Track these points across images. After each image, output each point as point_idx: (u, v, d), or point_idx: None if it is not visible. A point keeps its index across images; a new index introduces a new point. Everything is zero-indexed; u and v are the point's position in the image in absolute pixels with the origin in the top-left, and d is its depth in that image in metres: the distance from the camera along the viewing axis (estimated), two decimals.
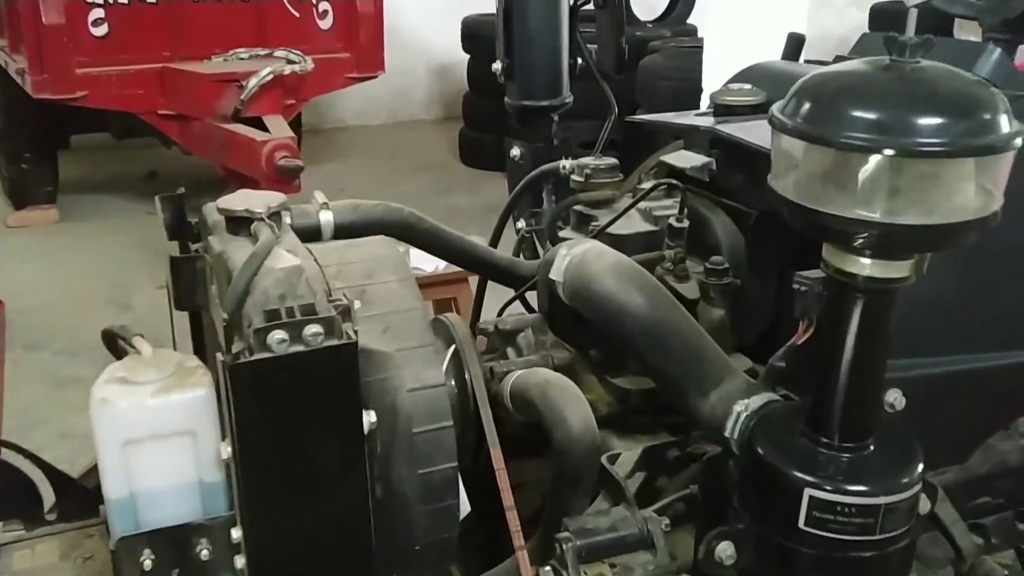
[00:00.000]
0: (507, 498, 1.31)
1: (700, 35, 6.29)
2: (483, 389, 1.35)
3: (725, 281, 1.50)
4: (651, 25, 8.24)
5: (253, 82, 5.60)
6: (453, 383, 1.39)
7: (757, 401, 1.25)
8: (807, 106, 1.00)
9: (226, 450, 1.07)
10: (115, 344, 1.19)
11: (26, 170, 6.17)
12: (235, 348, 1.06)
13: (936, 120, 0.95)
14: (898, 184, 0.98)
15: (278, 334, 1.06)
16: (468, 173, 7.62)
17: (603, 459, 1.42)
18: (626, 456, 1.42)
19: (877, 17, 6.41)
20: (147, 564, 1.09)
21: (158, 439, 1.07)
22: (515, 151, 1.92)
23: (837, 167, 1.00)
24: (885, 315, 1.10)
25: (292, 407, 1.07)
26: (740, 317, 1.54)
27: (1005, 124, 0.97)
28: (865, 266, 1.05)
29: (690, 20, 7.94)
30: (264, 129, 5.47)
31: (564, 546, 1.26)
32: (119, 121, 6.22)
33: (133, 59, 5.68)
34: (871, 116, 0.95)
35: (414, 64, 9.31)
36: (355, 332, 1.11)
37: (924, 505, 1.27)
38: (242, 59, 5.99)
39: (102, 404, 1.05)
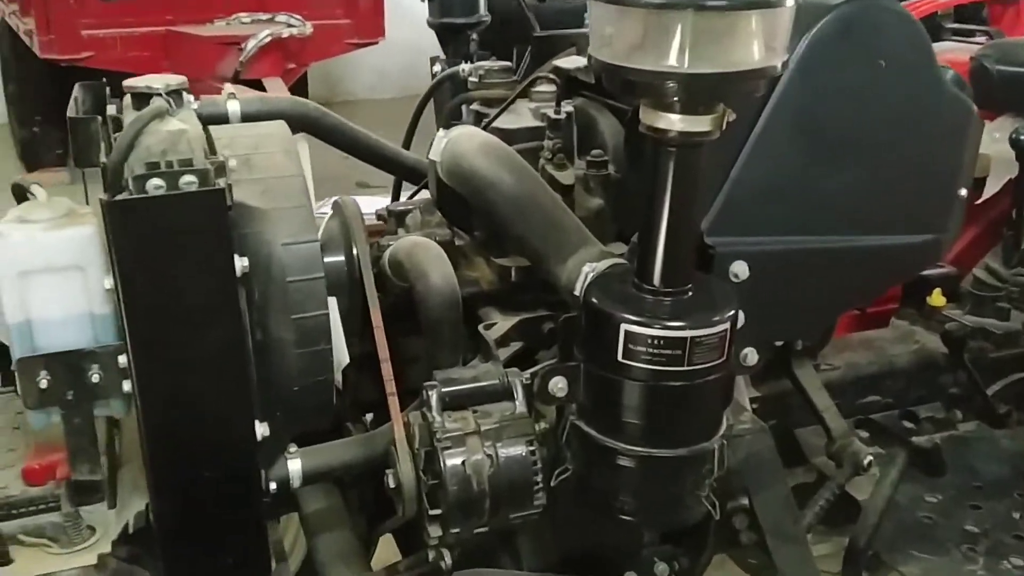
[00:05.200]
0: (383, 352, 1.45)
1: None
2: (367, 257, 1.49)
3: (603, 172, 1.63)
4: None
5: (252, 44, 5.76)
6: (343, 259, 1.54)
7: (604, 264, 1.38)
8: None
9: (109, 281, 1.22)
10: (24, 196, 1.35)
11: (37, 133, 6.38)
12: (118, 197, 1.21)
13: None
14: (696, 39, 1.11)
15: (155, 181, 1.20)
16: None
17: (480, 327, 1.56)
18: (500, 325, 1.56)
19: None
20: (43, 383, 1.25)
21: (50, 271, 1.23)
22: (436, 67, 2.07)
23: (648, 28, 1.13)
24: (694, 168, 1.23)
25: (166, 245, 1.22)
26: (621, 209, 1.67)
27: None
28: (674, 121, 1.19)
29: None
30: (263, 91, 5.63)
31: (429, 392, 1.40)
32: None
33: (138, 22, 5.86)
34: None
35: (421, 39, 9.45)
36: (228, 185, 1.26)
37: (751, 357, 1.40)
38: (244, 23, 6.14)
39: None
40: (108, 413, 1.33)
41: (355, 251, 1.53)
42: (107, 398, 1.30)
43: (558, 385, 1.31)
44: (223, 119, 1.58)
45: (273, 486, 1.45)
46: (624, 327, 1.24)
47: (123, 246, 1.20)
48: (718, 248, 1.45)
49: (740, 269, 1.46)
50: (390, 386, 1.42)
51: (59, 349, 1.26)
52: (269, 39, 5.82)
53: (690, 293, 1.28)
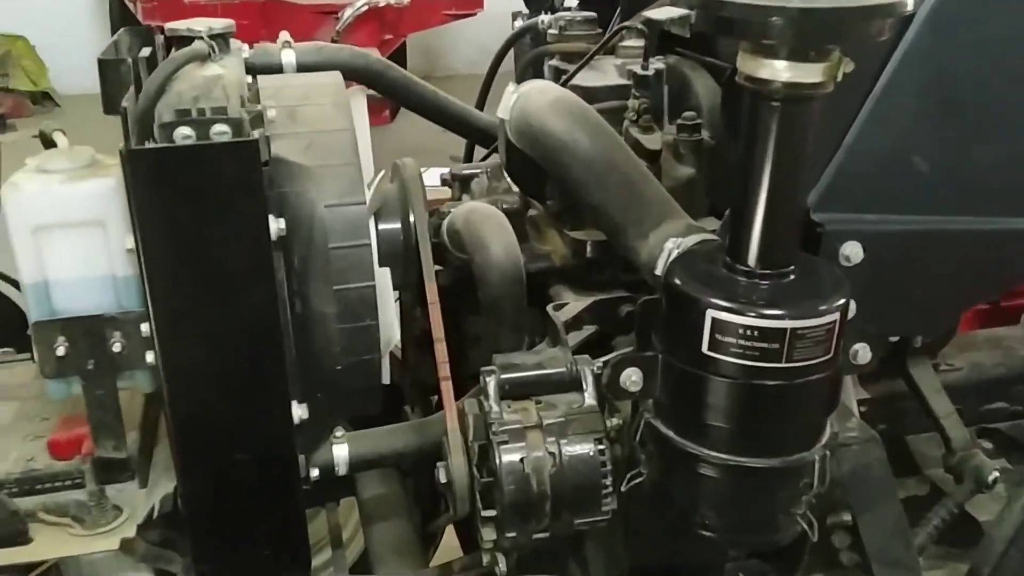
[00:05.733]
0: (437, 330, 1.29)
1: None
2: (424, 224, 1.33)
3: (696, 137, 1.44)
4: None
5: (348, 13, 5.69)
6: (399, 226, 1.38)
7: (692, 240, 1.19)
8: None
9: (130, 240, 1.09)
10: (51, 144, 1.24)
11: None
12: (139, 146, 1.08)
13: None
14: None
15: (184, 130, 1.07)
16: None
17: (549, 308, 1.39)
18: (572, 306, 1.38)
19: None
20: (61, 350, 1.14)
21: (67, 227, 1.11)
22: (517, 22, 1.89)
23: None
24: (801, 127, 1.03)
25: (191, 200, 1.08)
26: (715, 181, 1.47)
27: None
28: (780, 70, 0.99)
29: None
30: None
31: (486, 378, 1.24)
32: None
33: None
34: None
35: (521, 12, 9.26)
36: (264, 137, 1.12)
37: (863, 354, 1.20)
38: None
39: (11, 188, 1.09)
40: (133, 387, 1.21)
41: (412, 218, 1.37)
42: (131, 369, 1.18)
43: (631, 378, 1.13)
44: (276, 69, 1.45)
45: (315, 472, 1.32)
46: (711, 313, 1.05)
47: (144, 201, 1.07)
48: (827, 226, 1.25)
49: (853, 251, 1.25)
50: (443, 369, 1.27)
51: (78, 314, 1.14)
52: (366, 8, 5.74)
53: (792, 277, 1.09)
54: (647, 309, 1.22)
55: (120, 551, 1.23)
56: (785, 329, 1.03)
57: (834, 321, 1.05)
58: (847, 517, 1.37)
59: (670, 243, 1.19)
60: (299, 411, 1.22)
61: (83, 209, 1.11)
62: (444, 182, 1.51)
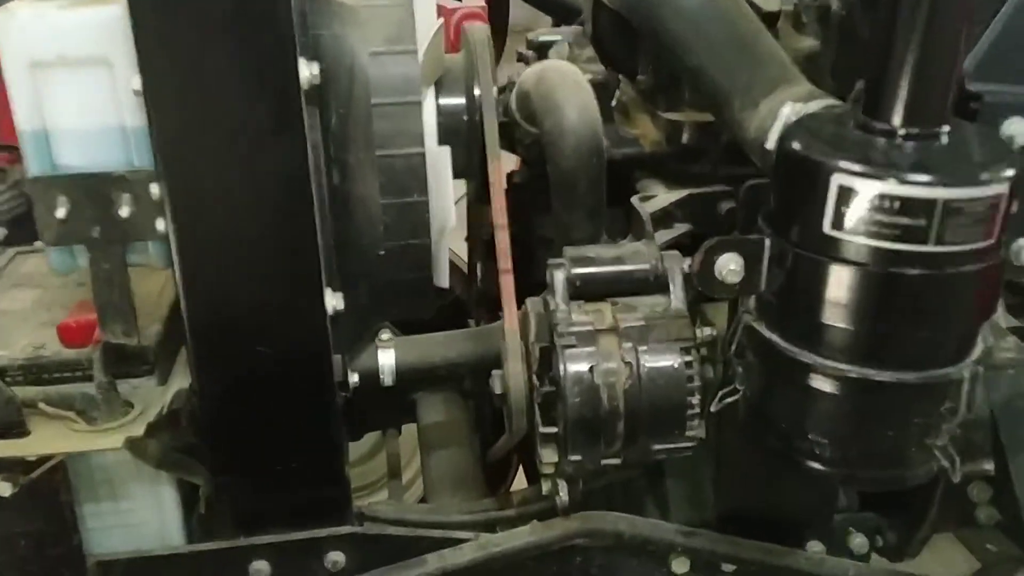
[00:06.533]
0: (499, 216, 1.10)
1: None
2: (491, 94, 1.13)
3: (822, 2, 1.19)
4: None
5: None
6: (464, 101, 1.18)
7: (816, 105, 0.96)
8: None
9: (138, 80, 0.92)
10: None
11: None
12: None
13: None
14: None
15: None
16: None
17: (634, 199, 1.18)
18: (662, 198, 1.17)
19: None
20: (61, 213, 0.98)
21: (68, 65, 0.95)
22: None
23: None
24: None
25: (203, 30, 0.91)
26: (842, 57, 1.23)
27: None
28: None
29: None
30: None
31: (553, 272, 1.03)
32: None
33: None
34: None
35: None
36: None
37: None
38: None
39: (4, 14, 0.93)
40: (145, 262, 1.05)
41: (477, 91, 1.17)
42: (141, 239, 1.02)
43: (730, 266, 0.91)
44: None
45: (355, 379, 1.14)
46: (837, 180, 0.82)
47: (147, 29, 0.90)
48: (987, 98, 1.00)
49: (1018, 129, 1.00)
50: (504, 259, 1.07)
51: (82, 170, 0.98)
52: None
53: (945, 139, 0.85)
54: (753, 196, 1.00)
55: (128, 451, 1.08)
56: (935, 200, 0.79)
57: (999, 195, 0.81)
58: (988, 466, 1.13)
59: (787, 108, 0.96)
60: (333, 300, 1.04)
61: (85, 43, 0.94)
62: (520, 57, 1.31)
